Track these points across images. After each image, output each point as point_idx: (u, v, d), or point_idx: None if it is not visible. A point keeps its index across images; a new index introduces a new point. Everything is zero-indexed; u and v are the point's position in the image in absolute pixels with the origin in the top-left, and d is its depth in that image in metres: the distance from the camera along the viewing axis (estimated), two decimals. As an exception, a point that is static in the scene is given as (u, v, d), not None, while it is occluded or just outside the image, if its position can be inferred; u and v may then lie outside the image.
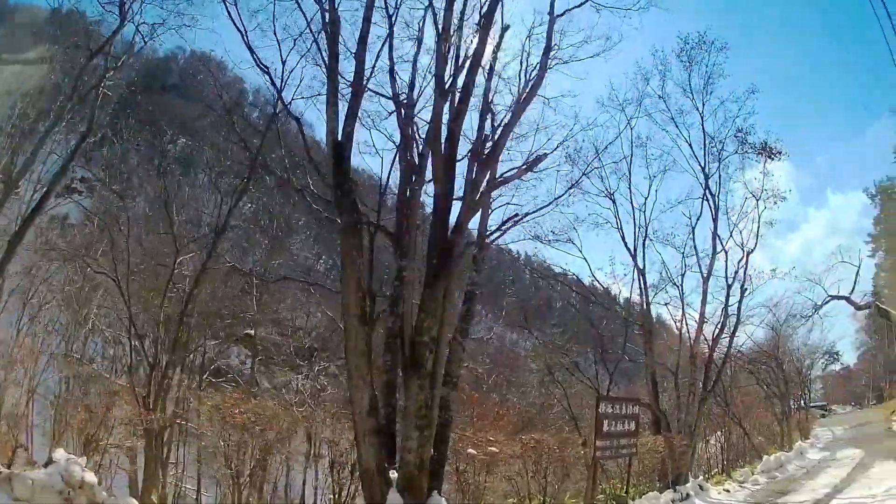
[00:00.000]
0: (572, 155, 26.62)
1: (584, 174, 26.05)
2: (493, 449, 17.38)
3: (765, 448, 39.58)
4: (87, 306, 28.33)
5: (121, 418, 16.07)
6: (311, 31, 16.82)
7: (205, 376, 34.12)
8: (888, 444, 36.52)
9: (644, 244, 30.11)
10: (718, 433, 35.77)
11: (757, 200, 31.56)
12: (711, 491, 26.41)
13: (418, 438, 13.48)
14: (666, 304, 31.89)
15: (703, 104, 30.30)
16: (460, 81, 15.81)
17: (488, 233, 19.38)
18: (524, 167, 18.38)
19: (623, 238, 30.14)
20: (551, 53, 18.08)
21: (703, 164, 30.43)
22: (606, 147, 27.99)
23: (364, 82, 15.93)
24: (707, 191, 30.40)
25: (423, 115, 17.79)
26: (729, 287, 30.82)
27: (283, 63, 18.03)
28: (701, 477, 27.64)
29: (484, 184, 16.36)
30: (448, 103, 15.57)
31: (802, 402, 58.43)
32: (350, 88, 15.58)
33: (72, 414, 17.20)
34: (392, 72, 17.45)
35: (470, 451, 16.89)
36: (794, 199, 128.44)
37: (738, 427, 36.81)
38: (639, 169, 33.37)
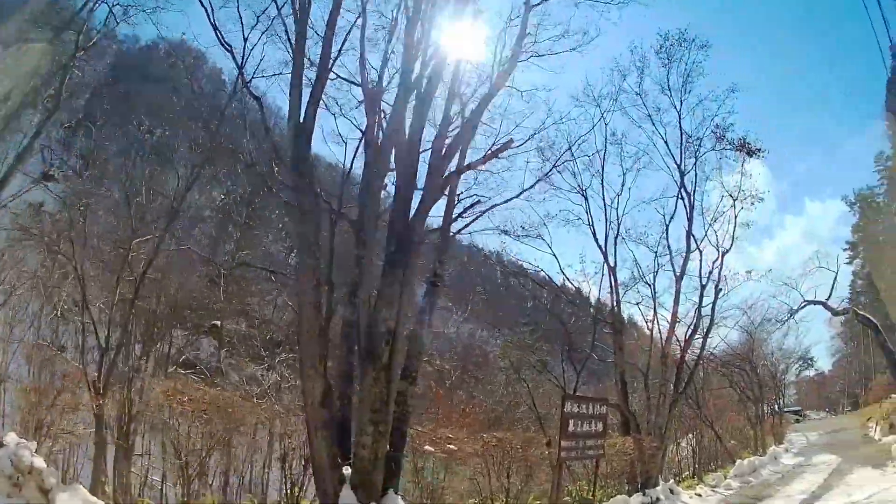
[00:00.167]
0: (545, 150, 26.49)
1: (553, 166, 26.06)
2: (451, 447, 16.77)
3: (738, 452, 39.29)
4: (58, 293, 27.66)
5: (71, 403, 15.32)
6: (277, 9, 16.36)
7: (174, 368, 33.25)
8: (865, 451, 36.14)
9: (616, 242, 29.79)
10: (690, 436, 35.27)
11: (734, 200, 31.31)
12: (682, 495, 25.88)
13: (373, 433, 13.06)
14: (637, 304, 31.70)
15: (682, 102, 29.96)
16: (429, 69, 15.52)
17: (456, 218, 19.27)
18: (489, 154, 18.06)
19: (594, 235, 29.83)
20: (525, 42, 18.02)
21: (678, 162, 30.09)
22: (579, 141, 27.73)
23: (330, 65, 15.64)
24: (682, 189, 30.08)
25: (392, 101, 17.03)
26: (703, 287, 30.52)
27: (245, 40, 17.25)
28: (671, 480, 27.06)
29: (447, 171, 15.80)
30: (415, 91, 15.23)
31: (777, 406, 57.91)
32: (315, 72, 15.28)
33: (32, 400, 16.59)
34: (362, 59, 17.11)
35: (427, 447, 16.42)
36: (770, 206, 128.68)
37: (711, 430, 36.35)
38: (613, 167, 32.93)
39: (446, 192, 18.40)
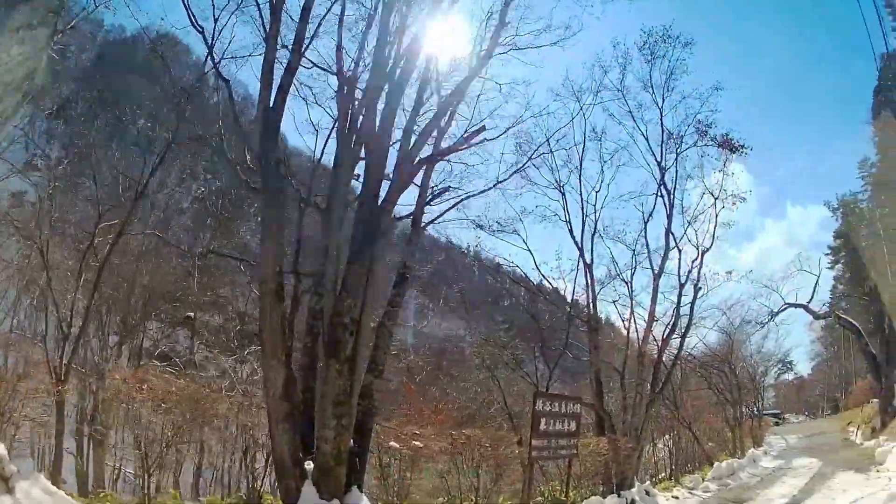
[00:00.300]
0: (522, 144, 26.45)
1: (529, 159, 25.83)
2: (416, 443, 16.26)
3: (715, 454, 38.99)
4: (36, 282, 27.51)
5: (31, 390, 14.87)
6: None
7: (148, 360, 32.86)
8: (847, 455, 36.15)
9: (593, 238, 29.64)
10: (667, 437, 34.97)
11: (715, 199, 31.20)
12: (659, 497, 25.69)
13: (335, 428, 12.59)
14: (614, 302, 31.41)
15: (664, 99, 29.74)
16: (403, 58, 15.18)
17: (429, 201, 18.97)
18: (461, 140, 17.96)
19: (571, 231, 29.65)
20: (505, 35, 18.05)
21: (659, 159, 29.91)
22: (557, 134, 27.31)
23: (303, 49, 15.33)
24: (662, 186, 29.91)
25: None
26: (681, 286, 30.27)
27: (216, 20, 16.81)
28: (648, 482, 26.90)
29: (418, 159, 15.61)
30: (388, 78, 14.95)
31: (756, 408, 57.75)
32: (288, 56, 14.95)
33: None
34: (339, 48, 16.81)
35: (392, 444, 16.01)
36: (752, 209, 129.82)
37: (688, 431, 35.97)
38: (592, 163, 32.65)
39: (418, 183, 18.26)
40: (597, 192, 29.71)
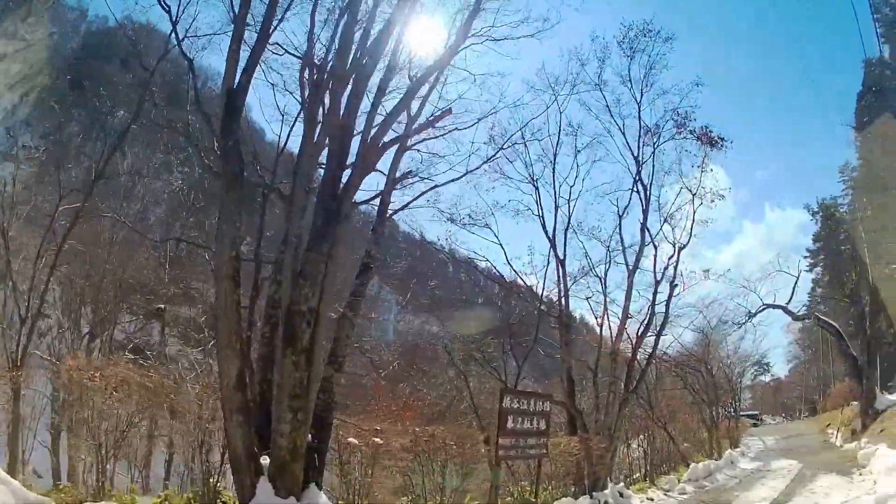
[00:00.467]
0: (496, 137, 26.36)
1: (501, 149, 26.06)
2: (376, 440, 15.63)
3: (691, 455, 38.74)
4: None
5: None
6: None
7: (121, 353, 32.18)
8: (827, 457, 35.93)
9: (566, 233, 29.21)
10: (641, 437, 34.40)
11: (693, 195, 30.89)
12: (633, 499, 25.20)
13: (291, 422, 12.08)
14: (587, 299, 30.73)
15: (642, 94, 29.54)
16: (370, 40, 14.80)
17: (397, 184, 18.96)
18: (427, 122, 17.66)
19: (543, 226, 29.25)
20: (481, 25, 18.17)
21: (636, 154, 29.60)
22: (531, 126, 27.88)
23: (270, 31, 15.03)
24: (639, 181, 29.58)
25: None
26: (657, 283, 29.95)
27: (182, -1, 16.51)
28: (621, 483, 26.41)
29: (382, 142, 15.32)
30: (356, 63, 14.44)
31: (733, 409, 57.51)
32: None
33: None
34: (311, 35, 16.97)
35: (350, 440, 15.43)
36: (730, 211, 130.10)
37: (663, 431, 35.57)
38: (567, 158, 32.33)
39: (385, 171, 18.05)
40: (571, 187, 29.43)
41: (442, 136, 20.54)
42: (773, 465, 36.12)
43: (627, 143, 29.65)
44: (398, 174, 18.86)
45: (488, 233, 29.23)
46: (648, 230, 29.48)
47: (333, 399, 14.61)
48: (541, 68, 30.07)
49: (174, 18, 17.15)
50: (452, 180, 22.43)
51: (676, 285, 30.66)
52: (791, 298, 46.89)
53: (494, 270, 32.15)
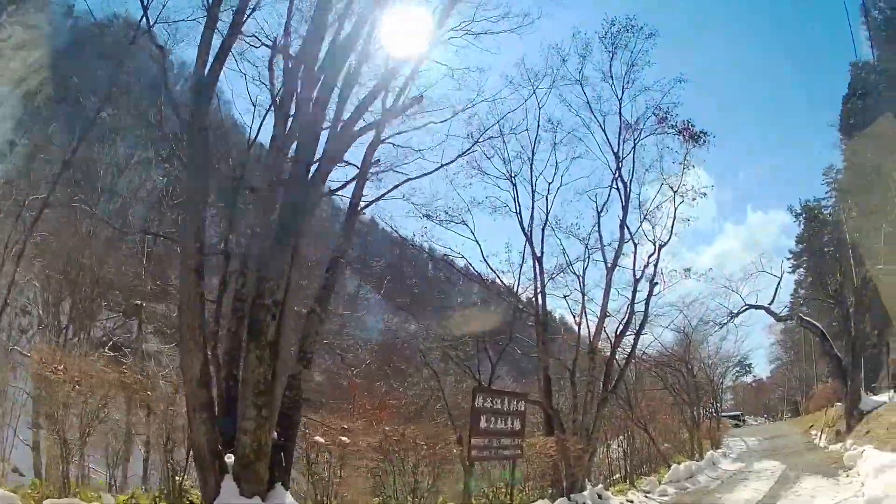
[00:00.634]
0: (474, 133, 26.09)
1: (476, 142, 25.87)
2: (343, 439, 15.25)
3: (672, 456, 38.57)
4: None
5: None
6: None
7: (100, 350, 31.87)
8: (811, 458, 35.67)
9: (544, 230, 29.04)
10: (621, 437, 34.07)
11: (674, 192, 30.86)
12: (612, 501, 25.13)
13: (256, 419, 11.78)
14: (565, 297, 30.45)
15: (623, 90, 29.44)
16: (344, 31, 14.65)
17: (371, 173, 18.73)
18: (397, 110, 17.84)
19: (521, 223, 29.06)
20: (461, 19, 18.10)
21: (616, 150, 29.55)
22: (508, 119, 27.64)
23: (244, 19, 14.79)
24: (619, 178, 29.56)
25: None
26: (636, 281, 29.89)
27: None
28: (600, 485, 26.13)
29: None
30: (329, 52, 14.34)
31: (714, 410, 57.48)
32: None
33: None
34: (287, 26, 16.74)
35: (317, 438, 14.98)
36: (711, 213, 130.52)
37: (643, 432, 35.21)
38: (545, 155, 32.15)
39: (358, 165, 17.78)
40: (549, 183, 29.27)
41: (417, 129, 20.33)
42: (755, 467, 35.97)
43: (608, 139, 29.63)
44: (372, 168, 18.65)
45: (465, 229, 29.05)
46: (628, 227, 29.42)
47: (301, 396, 14.35)
48: (520, 62, 29.72)
49: (145, 3, 16.90)
50: (426, 173, 22.27)
51: (657, 283, 30.73)
52: (774, 299, 47.04)
53: (471, 268, 32.06)
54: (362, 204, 18.77)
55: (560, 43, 34.01)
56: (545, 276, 28.70)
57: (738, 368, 74.66)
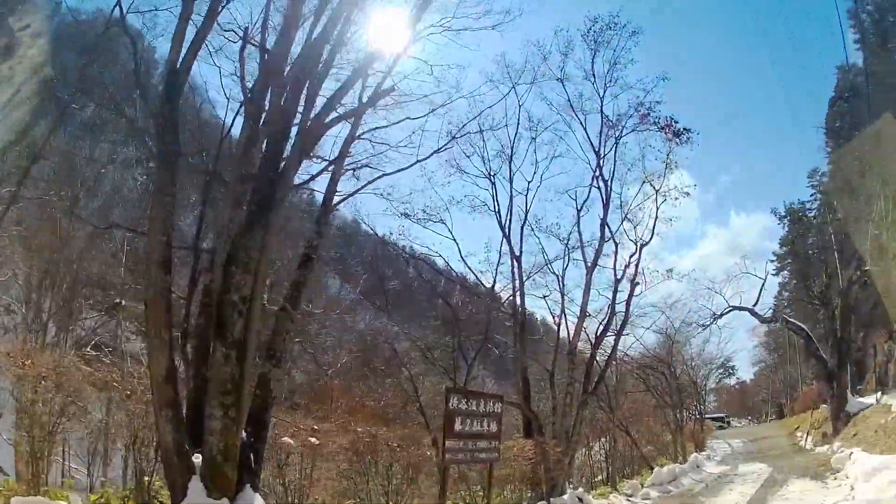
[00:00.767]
0: (454, 130, 26.03)
1: (453, 138, 25.85)
2: (312, 440, 14.94)
3: (655, 458, 38.50)
4: None
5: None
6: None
7: (83, 349, 31.58)
8: (798, 461, 35.35)
9: (522, 229, 29.14)
10: (603, 440, 33.81)
11: (656, 191, 30.89)
12: (593, 504, 24.53)
13: (222, 419, 11.46)
14: (545, 297, 30.57)
15: (605, 89, 29.52)
16: (320, 26, 14.44)
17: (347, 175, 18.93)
18: (370, 101, 17.74)
19: (500, 222, 29.14)
20: (436, 10, 17.76)
21: (597, 148, 29.58)
22: (487, 115, 27.71)
23: (219, 9, 14.60)
24: (599, 176, 29.58)
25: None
26: (617, 281, 29.95)
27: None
28: (581, 488, 25.81)
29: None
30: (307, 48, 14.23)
31: (698, 412, 57.36)
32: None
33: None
34: (265, 22, 16.97)
35: (285, 439, 14.71)
36: (693, 215, 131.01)
37: (625, 434, 34.91)
38: (526, 154, 32.12)
39: (330, 159, 17.92)
40: (529, 182, 29.37)
41: (394, 125, 20.39)
42: (741, 469, 35.72)
43: (588, 137, 29.65)
44: (348, 163, 18.57)
45: (443, 228, 29.19)
46: (608, 226, 29.49)
47: (271, 396, 14.16)
48: (500, 59, 29.68)
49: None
50: (401, 169, 22.24)
51: (638, 283, 30.78)
52: (758, 301, 46.99)
53: (450, 267, 32.17)
54: (337, 199, 18.70)
55: (542, 41, 34.06)
56: (524, 275, 28.71)
57: (721, 370, 75.28)
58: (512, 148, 29.13)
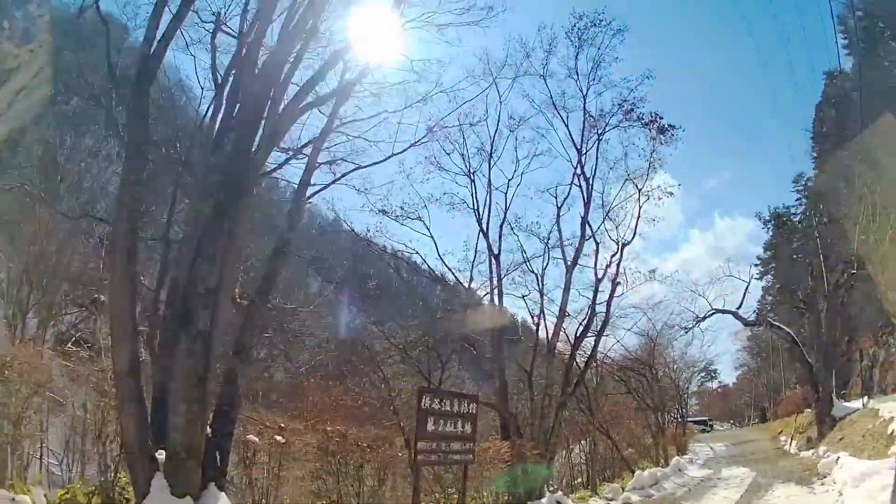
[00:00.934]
0: (434, 126, 26.16)
1: (430, 131, 25.83)
2: (278, 438, 14.58)
3: (636, 462, 38.21)
4: None
5: None
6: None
7: (62, 345, 31.28)
8: (782, 465, 35.12)
9: (502, 228, 29.20)
10: (583, 442, 33.50)
11: (639, 190, 30.87)
12: (573, 508, 24.43)
13: (185, 414, 11.20)
14: (524, 297, 30.55)
15: (589, 86, 29.40)
16: (297, 15, 14.08)
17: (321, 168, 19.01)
18: (343, 87, 17.40)
19: (479, 220, 29.08)
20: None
21: (579, 145, 29.53)
22: (466, 110, 27.85)
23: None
24: (581, 174, 29.49)
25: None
26: (598, 281, 29.98)
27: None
28: (559, 491, 25.52)
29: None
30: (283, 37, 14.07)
31: (680, 415, 57.28)
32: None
33: None
34: (244, 13, 17.05)
35: (250, 437, 14.31)
36: (677, 219, 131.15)
37: (606, 437, 34.57)
38: (507, 152, 32.11)
39: (307, 153, 17.85)
40: (509, 180, 29.40)
41: (371, 118, 20.54)
42: (724, 473, 35.51)
43: (570, 135, 29.55)
44: (323, 157, 18.41)
45: (420, 225, 29.32)
46: (589, 224, 29.31)
47: (238, 392, 13.65)
48: (482, 54, 29.68)
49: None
50: (377, 162, 22.34)
51: (619, 283, 30.69)
52: (741, 304, 47.00)
53: (427, 265, 32.08)
54: (311, 191, 18.69)
55: (525, 37, 33.97)
56: (502, 273, 28.61)
57: (703, 374, 75.06)
58: (492, 145, 29.09)
